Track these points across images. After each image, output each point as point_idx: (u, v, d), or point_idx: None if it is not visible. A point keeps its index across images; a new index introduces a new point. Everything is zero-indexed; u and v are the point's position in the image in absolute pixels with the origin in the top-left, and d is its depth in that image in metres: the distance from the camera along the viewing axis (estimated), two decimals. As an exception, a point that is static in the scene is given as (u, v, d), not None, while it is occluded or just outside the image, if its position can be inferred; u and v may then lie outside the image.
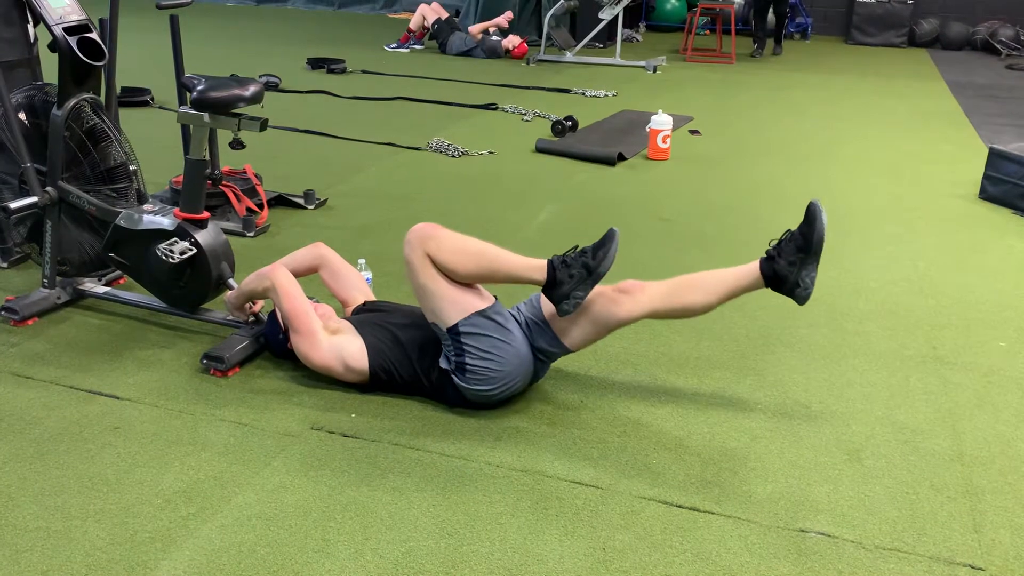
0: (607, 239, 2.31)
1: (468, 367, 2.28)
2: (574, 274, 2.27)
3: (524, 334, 2.37)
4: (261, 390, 2.45)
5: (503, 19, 9.02)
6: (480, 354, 2.27)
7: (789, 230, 2.33)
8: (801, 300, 2.31)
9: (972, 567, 1.84)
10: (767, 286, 2.33)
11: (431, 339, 2.39)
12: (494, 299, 2.35)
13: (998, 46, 9.99)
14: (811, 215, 2.29)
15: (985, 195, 4.40)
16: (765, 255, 2.34)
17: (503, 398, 2.36)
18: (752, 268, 2.34)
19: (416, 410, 2.37)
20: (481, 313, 2.28)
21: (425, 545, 1.86)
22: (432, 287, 2.28)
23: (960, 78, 8.28)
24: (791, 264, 2.28)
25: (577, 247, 2.34)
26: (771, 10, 9.37)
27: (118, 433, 2.23)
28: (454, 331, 2.28)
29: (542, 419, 2.35)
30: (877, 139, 5.71)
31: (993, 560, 1.86)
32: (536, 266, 2.30)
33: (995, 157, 4.34)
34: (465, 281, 2.31)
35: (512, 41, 8.72)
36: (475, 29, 8.82)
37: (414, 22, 9.09)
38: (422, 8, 9.09)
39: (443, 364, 2.34)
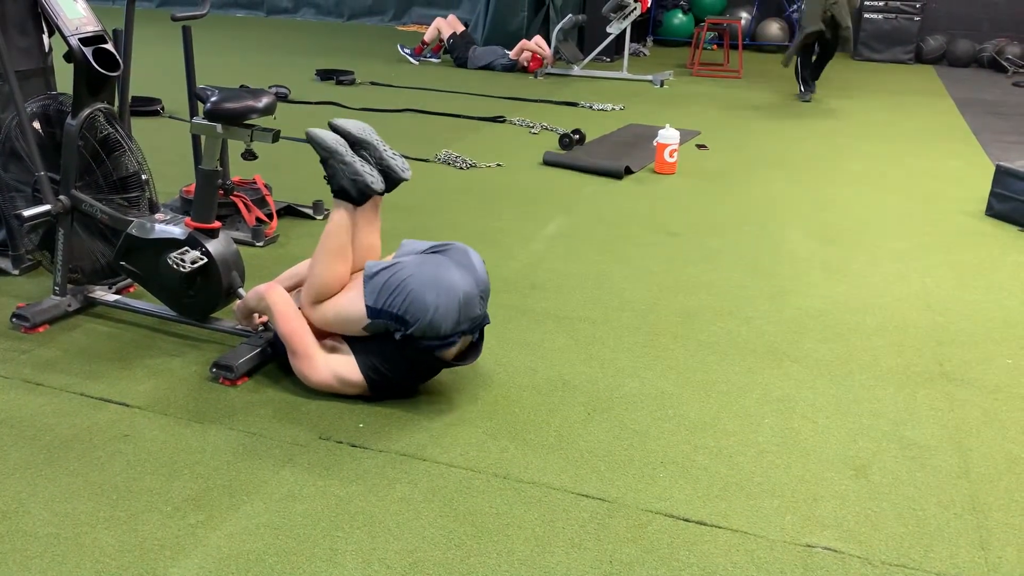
0: (314, 147, 2.47)
1: (401, 313, 2.31)
2: (331, 175, 2.47)
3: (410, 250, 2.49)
4: (270, 399, 2.46)
5: (550, 58, 8.70)
6: (395, 296, 2.32)
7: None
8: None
9: (979, 584, 1.84)
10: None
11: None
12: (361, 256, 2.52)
13: (1005, 63, 10.01)
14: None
15: (992, 212, 4.40)
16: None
17: (459, 310, 2.32)
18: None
19: (424, 421, 2.38)
20: (365, 280, 2.38)
21: (432, 556, 1.86)
22: (332, 312, 2.44)
23: (967, 95, 8.30)
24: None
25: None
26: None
27: (128, 441, 2.24)
28: (371, 311, 2.35)
29: (549, 431, 2.35)
30: (884, 156, 5.72)
31: (1000, 577, 1.86)
32: (334, 205, 2.51)
33: (1002, 174, 4.35)
34: (346, 273, 2.48)
35: (526, 56, 8.73)
36: (515, 52, 8.71)
37: (429, 35, 9.12)
38: (438, 22, 9.12)
39: (397, 336, 2.35)
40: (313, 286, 2.46)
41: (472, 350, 2.49)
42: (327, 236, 2.48)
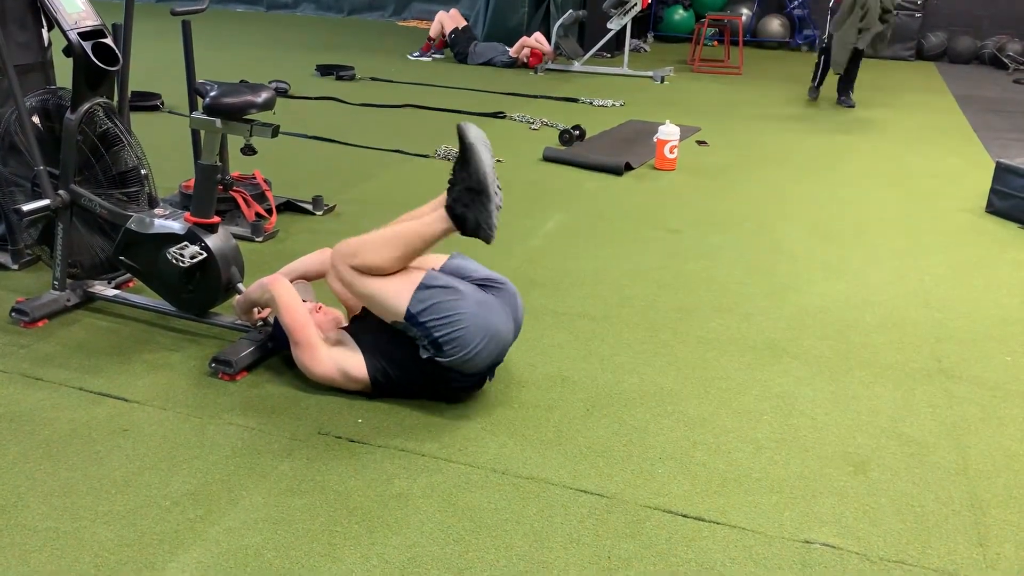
0: (463, 147, 2.30)
1: (441, 341, 2.28)
2: (467, 203, 2.28)
3: (472, 282, 2.39)
4: (269, 394, 2.46)
5: (551, 54, 8.68)
6: (443, 323, 2.27)
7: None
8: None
9: (977, 581, 1.84)
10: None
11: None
12: (429, 268, 2.38)
13: (1006, 60, 10.00)
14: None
15: (992, 209, 4.40)
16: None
17: (494, 355, 2.36)
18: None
19: (423, 416, 2.38)
20: (421, 287, 2.30)
21: (430, 551, 1.86)
22: (372, 291, 2.34)
23: (967, 92, 8.30)
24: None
25: (451, 178, 2.34)
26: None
27: (126, 435, 2.24)
28: (410, 317, 2.29)
29: (548, 427, 2.35)
30: (884, 152, 5.72)
31: (997, 574, 1.86)
32: (440, 217, 2.33)
33: (1002, 171, 4.35)
34: (399, 267, 2.36)
35: (526, 52, 8.71)
36: (515, 49, 8.70)
37: (434, 30, 9.09)
38: (440, 16, 9.09)
39: (423, 354, 2.33)
40: (367, 256, 2.32)
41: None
42: (417, 237, 2.33)
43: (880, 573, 1.85)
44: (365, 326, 2.52)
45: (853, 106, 7.26)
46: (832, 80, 7.36)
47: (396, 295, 2.32)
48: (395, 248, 2.33)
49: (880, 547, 1.93)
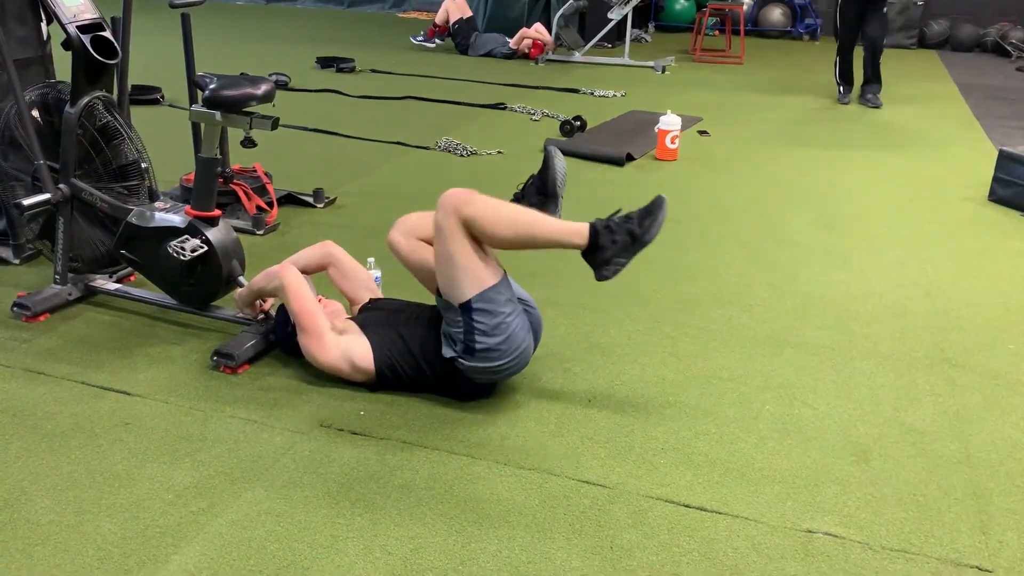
0: (655, 207, 2.27)
1: (476, 345, 2.27)
2: (617, 240, 2.24)
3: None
4: (271, 387, 2.46)
5: (551, 44, 8.63)
6: (488, 331, 2.26)
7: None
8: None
9: (979, 569, 1.84)
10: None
11: (434, 335, 2.39)
12: (503, 273, 2.33)
13: (1008, 48, 9.96)
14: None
15: (995, 197, 4.39)
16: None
17: (511, 374, 2.39)
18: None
19: (425, 408, 2.38)
20: (493, 288, 2.26)
21: (433, 542, 1.87)
22: (457, 256, 2.23)
23: (970, 80, 8.26)
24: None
25: (620, 211, 2.29)
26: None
27: (129, 429, 2.25)
28: (466, 307, 2.25)
29: (550, 418, 2.36)
30: (886, 141, 5.70)
31: (1000, 562, 1.86)
32: (575, 230, 2.25)
33: (1005, 159, 4.33)
34: (502, 247, 2.29)
35: (526, 43, 8.68)
36: (515, 40, 8.67)
37: (439, 17, 9.06)
38: (447, 3, 9.06)
39: (447, 352, 2.33)
40: (484, 217, 2.22)
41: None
42: (543, 234, 2.28)
43: (882, 562, 1.85)
44: (374, 317, 2.52)
45: (848, 103, 6.86)
46: (829, 71, 7.29)
47: (473, 277, 2.24)
48: (514, 229, 2.24)
49: (882, 536, 1.93)
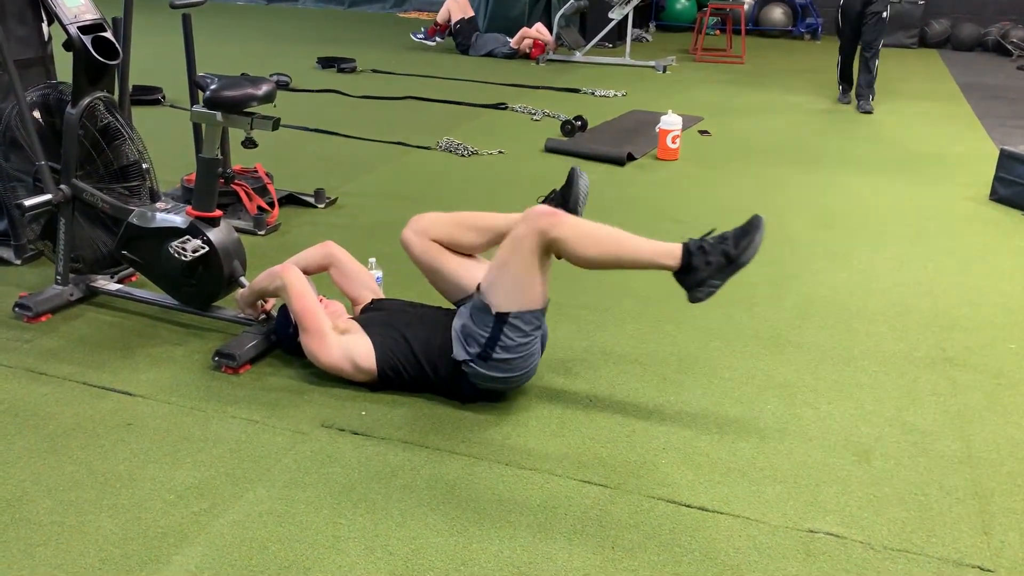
0: (752, 227, 2.22)
1: (494, 355, 2.27)
2: (712, 261, 2.18)
3: None
4: (272, 387, 2.47)
5: (552, 44, 8.65)
6: (511, 346, 2.26)
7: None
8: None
9: (981, 569, 1.84)
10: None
11: (438, 336, 2.39)
12: (547, 302, 2.32)
13: (1009, 47, 9.95)
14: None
15: (996, 197, 4.39)
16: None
17: (513, 387, 2.40)
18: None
19: (426, 408, 2.38)
20: (534, 312, 2.27)
21: (435, 542, 1.87)
22: (520, 269, 2.21)
23: (971, 79, 8.26)
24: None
25: (714, 231, 2.25)
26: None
27: (130, 429, 2.25)
28: (503, 317, 2.24)
29: (551, 418, 2.36)
30: (887, 140, 5.70)
31: (1002, 562, 1.86)
32: (667, 251, 2.21)
33: (1006, 159, 4.33)
34: (588, 267, 2.27)
35: (527, 43, 8.68)
36: (516, 40, 8.67)
37: (441, 15, 9.06)
38: (449, 3, 9.06)
39: (459, 354, 2.33)
40: (575, 243, 2.20)
41: None
42: (631, 256, 2.27)
43: (884, 562, 1.85)
44: (376, 317, 2.52)
45: (848, 102, 6.82)
46: (831, 71, 7.28)
47: (524, 293, 2.23)
48: (600, 248, 2.22)
49: (884, 536, 1.93)
